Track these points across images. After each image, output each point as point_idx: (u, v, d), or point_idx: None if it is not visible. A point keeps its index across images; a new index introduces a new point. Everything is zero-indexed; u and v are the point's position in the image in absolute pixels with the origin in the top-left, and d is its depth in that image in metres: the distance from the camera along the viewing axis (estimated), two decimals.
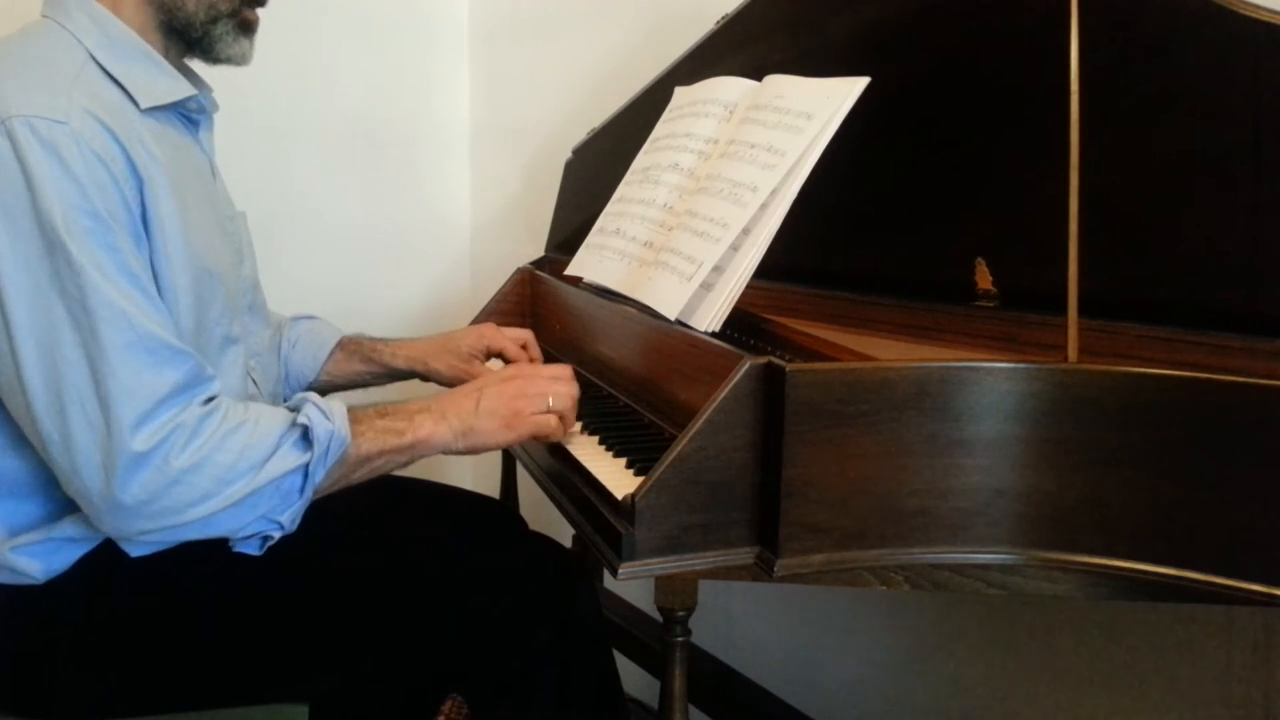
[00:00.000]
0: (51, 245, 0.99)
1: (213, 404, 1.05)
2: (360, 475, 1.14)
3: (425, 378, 1.51)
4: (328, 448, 1.07)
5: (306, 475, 1.06)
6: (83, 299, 0.99)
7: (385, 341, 1.54)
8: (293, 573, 1.17)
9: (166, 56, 1.20)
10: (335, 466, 1.09)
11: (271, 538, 1.08)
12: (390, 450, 1.13)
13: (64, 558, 1.11)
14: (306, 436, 1.07)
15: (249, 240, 1.35)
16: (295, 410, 1.09)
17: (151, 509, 1.01)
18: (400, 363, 1.51)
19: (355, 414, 1.12)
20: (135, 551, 1.10)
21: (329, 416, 1.08)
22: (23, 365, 1.00)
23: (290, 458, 1.05)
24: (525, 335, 1.54)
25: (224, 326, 1.19)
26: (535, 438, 1.21)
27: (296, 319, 1.54)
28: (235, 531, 1.06)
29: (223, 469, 1.02)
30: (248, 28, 1.23)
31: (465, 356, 1.49)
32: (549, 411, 1.18)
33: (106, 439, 0.99)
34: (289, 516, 1.07)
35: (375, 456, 1.13)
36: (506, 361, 1.51)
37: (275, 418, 1.08)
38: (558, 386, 1.20)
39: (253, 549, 1.09)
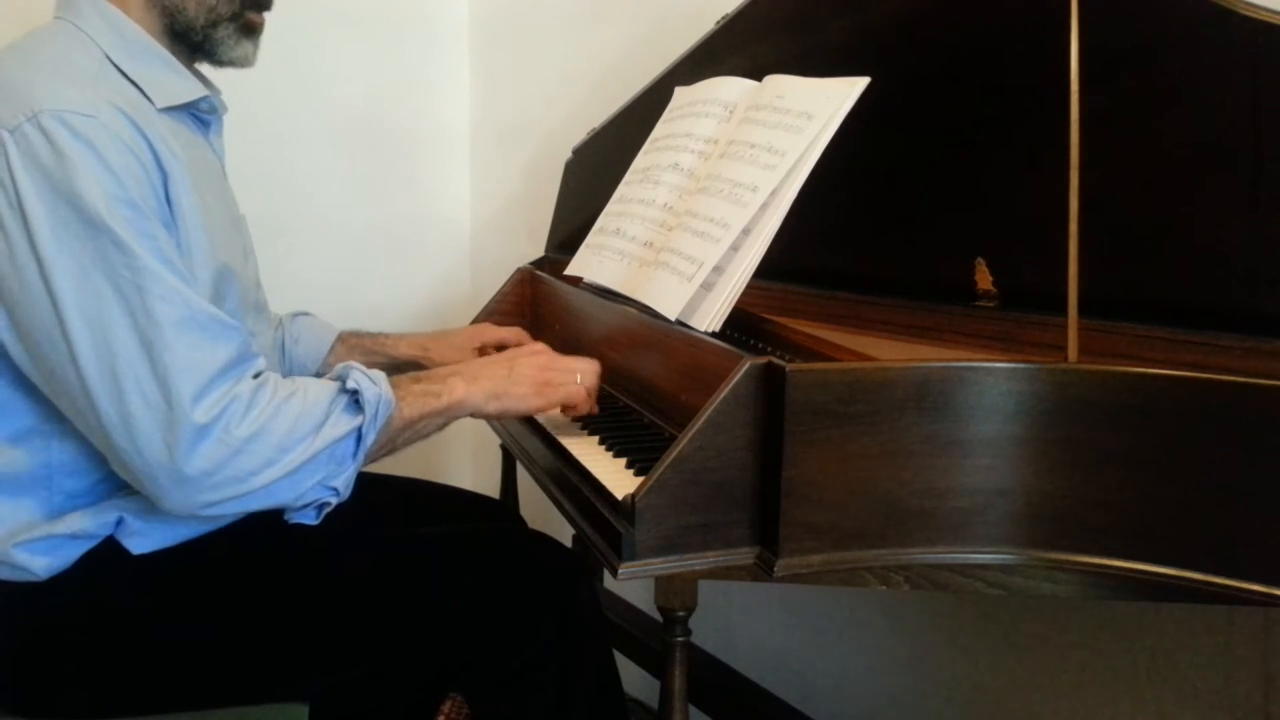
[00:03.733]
0: (96, 231, 1.01)
1: (262, 377, 1.08)
2: (403, 439, 1.17)
3: (424, 367, 1.54)
4: (377, 410, 1.10)
5: (359, 439, 1.09)
6: (135, 279, 1.01)
7: (384, 334, 1.59)
8: (294, 572, 1.17)
9: (176, 59, 1.21)
10: (382, 430, 1.12)
11: (328, 504, 1.10)
12: (430, 413, 1.17)
13: (66, 555, 1.11)
14: (356, 402, 1.10)
15: (251, 242, 1.36)
16: (339, 379, 1.12)
17: (215, 479, 1.03)
18: (402, 349, 1.56)
19: (392, 380, 1.15)
20: (137, 549, 1.12)
21: (375, 381, 1.11)
22: (76, 349, 1.02)
23: (343, 423, 1.08)
24: (519, 331, 1.59)
25: (237, 320, 1.20)
26: (564, 407, 1.26)
27: (295, 316, 1.56)
28: (294, 500, 1.08)
29: (281, 436, 1.04)
30: (250, 30, 1.24)
31: (460, 347, 1.55)
32: (579, 385, 1.24)
33: (167, 414, 1.01)
34: (343, 481, 1.10)
35: (416, 420, 1.16)
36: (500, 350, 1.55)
37: (323, 386, 1.11)
38: (585, 365, 1.27)
39: (309, 518, 1.11)
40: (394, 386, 1.14)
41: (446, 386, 1.18)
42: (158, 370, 1.01)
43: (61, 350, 1.02)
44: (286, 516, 1.10)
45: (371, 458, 1.14)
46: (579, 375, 1.25)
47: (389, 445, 1.16)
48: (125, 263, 1.01)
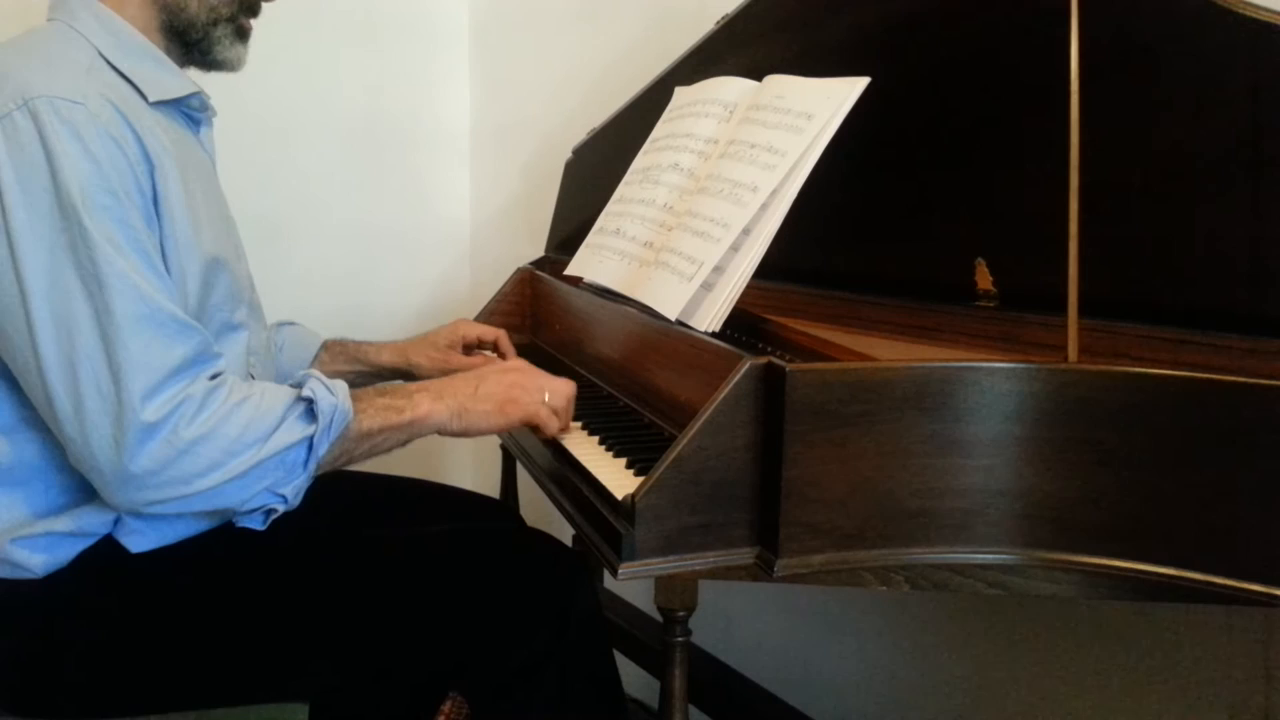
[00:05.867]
0: (68, 219, 1.01)
1: (219, 379, 1.07)
2: (361, 452, 1.16)
3: (408, 373, 1.55)
4: (331, 421, 1.09)
5: (311, 448, 1.09)
6: (96, 272, 1.01)
7: (368, 342, 1.58)
8: (294, 571, 1.17)
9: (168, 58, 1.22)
10: (338, 441, 1.11)
11: (275, 511, 1.10)
12: (390, 427, 1.16)
13: (64, 552, 1.11)
14: (311, 410, 1.09)
15: (241, 242, 1.37)
16: (299, 386, 1.11)
17: (159, 479, 1.02)
18: (385, 357, 1.55)
19: (356, 392, 1.15)
20: (135, 548, 1.12)
21: (332, 391, 1.11)
22: (38, 336, 1.02)
23: (295, 430, 1.08)
24: (497, 331, 1.59)
25: (225, 313, 1.21)
26: (527, 424, 1.24)
27: (280, 325, 1.56)
28: (241, 504, 1.07)
29: (230, 440, 1.04)
30: (243, 34, 1.26)
31: (442, 348, 1.55)
32: (544, 404, 1.22)
33: (117, 409, 1.01)
34: (292, 490, 1.09)
35: (376, 433, 1.15)
36: (483, 348, 1.57)
37: (280, 392, 1.10)
38: (555, 384, 1.25)
39: (256, 523, 1.10)
40: (357, 399, 1.14)
41: (411, 402, 1.18)
42: (112, 365, 1.01)
43: (24, 334, 1.03)
44: (234, 520, 1.10)
45: (326, 467, 1.13)
46: (547, 394, 1.23)
47: (346, 456, 1.15)
48: (90, 255, 1.01)
